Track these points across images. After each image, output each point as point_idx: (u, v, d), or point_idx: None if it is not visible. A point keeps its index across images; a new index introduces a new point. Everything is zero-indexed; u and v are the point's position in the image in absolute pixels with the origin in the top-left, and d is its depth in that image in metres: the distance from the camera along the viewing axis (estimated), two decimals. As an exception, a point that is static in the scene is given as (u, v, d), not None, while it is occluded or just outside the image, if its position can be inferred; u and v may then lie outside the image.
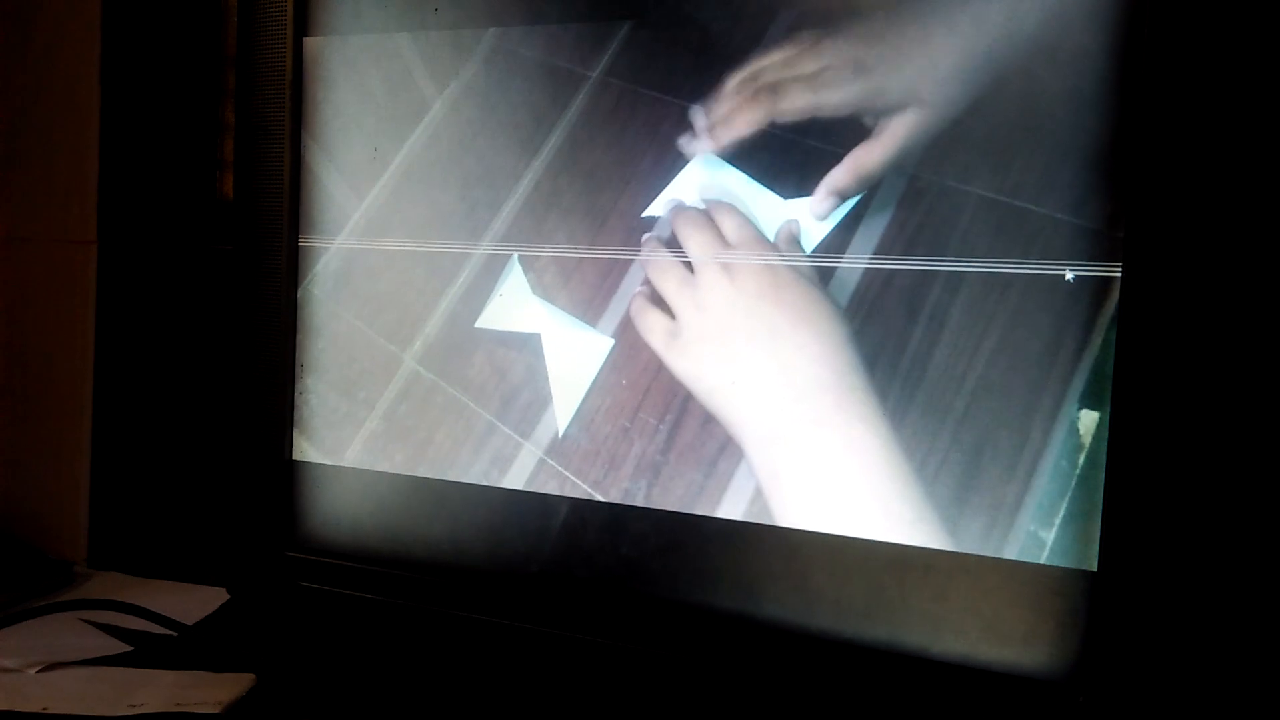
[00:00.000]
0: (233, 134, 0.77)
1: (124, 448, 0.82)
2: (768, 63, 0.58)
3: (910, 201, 0.55)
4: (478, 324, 0.67)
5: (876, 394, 0.56)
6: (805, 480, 0.57)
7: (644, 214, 0.62)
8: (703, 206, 0.60)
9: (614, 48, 0.63)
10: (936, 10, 0.54)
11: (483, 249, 0.67)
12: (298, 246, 0.71)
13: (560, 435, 0.64)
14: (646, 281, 0.62)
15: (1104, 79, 0.51)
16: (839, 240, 0.57)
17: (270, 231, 0.71)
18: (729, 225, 0.59)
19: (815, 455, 0.57)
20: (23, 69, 0.82)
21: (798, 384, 0.57)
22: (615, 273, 0.63)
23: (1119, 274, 0.51)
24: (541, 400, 0.65)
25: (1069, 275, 0.52)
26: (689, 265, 0.61)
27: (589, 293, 0.64)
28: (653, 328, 0.61)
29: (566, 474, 0.64)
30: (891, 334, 0.56)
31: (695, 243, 0.60)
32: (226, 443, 0.73)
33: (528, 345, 0.65)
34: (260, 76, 0.71)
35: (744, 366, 0.59)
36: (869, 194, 0.56)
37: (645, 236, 0.62)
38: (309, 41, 0.71)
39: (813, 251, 0.58)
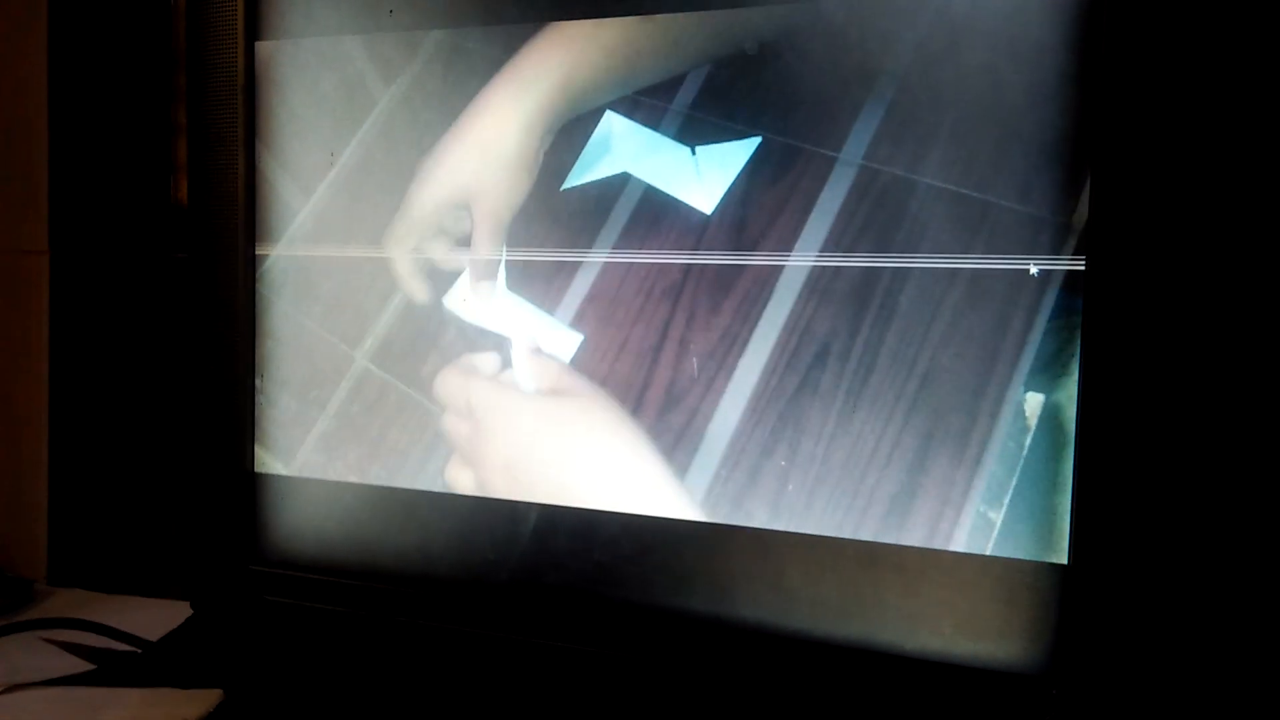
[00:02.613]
0: (185, 137, 0.76)
1: (82, 461, 0.81)
2: None
3: (868, 194, 0.55)
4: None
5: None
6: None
7: (563, 187, 0.62)
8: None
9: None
10: None
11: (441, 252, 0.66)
12: (254, 255, 0.70)
13: None
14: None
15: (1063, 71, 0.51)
16: (744, 196, 0.58)
17: (226, 240, 0.69)
18: None
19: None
20: (-33, 75, 0.80)
21: None
22: (568, 266, 0.62)
23: (1081, 266, 0.51)
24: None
25: (1033, 270, 0.52)
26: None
27: (546, 286, 0.63)
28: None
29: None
30: (842, 327, 0.56)
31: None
32: (186, 455, 0.72)
33: (490, 341, 0.65)
34: (211, 82, 0.69)
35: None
36: (820, 186, 0.56)
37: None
38: (261, 45, 0.69)
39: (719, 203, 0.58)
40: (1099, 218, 0.50)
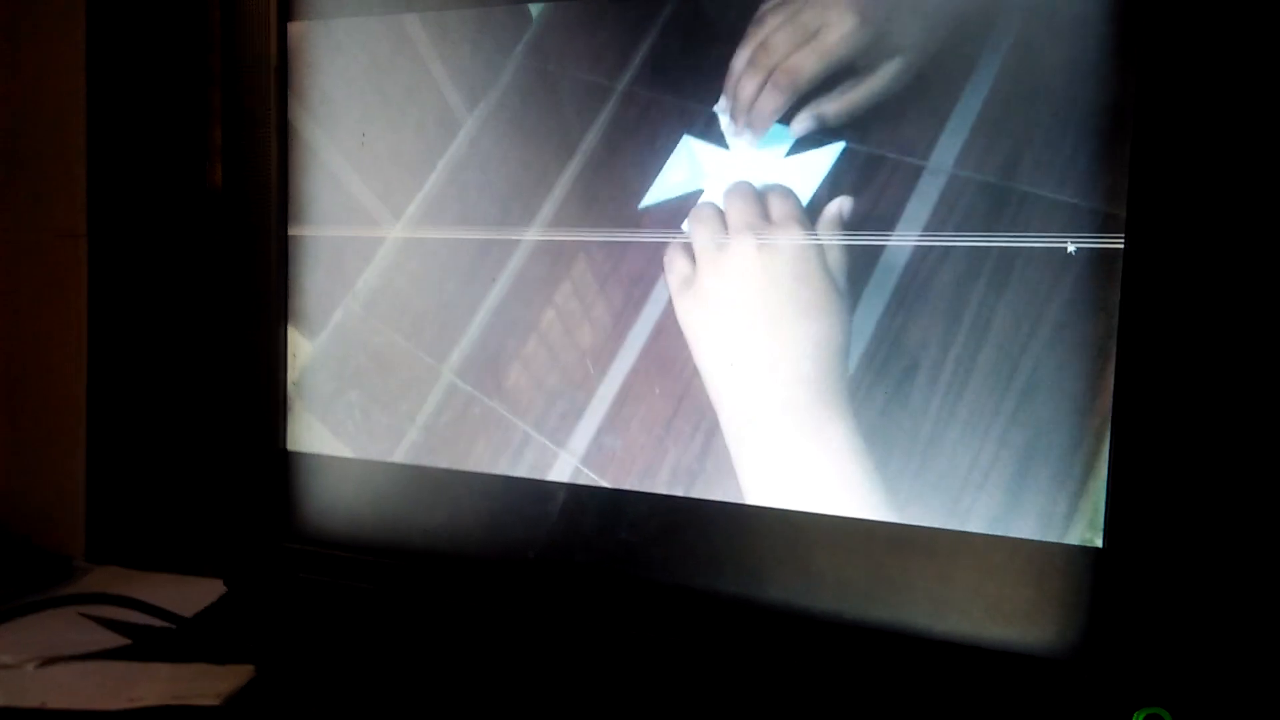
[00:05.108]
0: (220, 120, 0.76)
1: (120, 441, 0.82)
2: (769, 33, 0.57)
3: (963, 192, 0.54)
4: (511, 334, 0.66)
5: (852, 396, 0.56)
6: (773, 462, 0.58)
7: (641, 205, 0.61)
8: (757, 186, 0.60)
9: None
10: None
11: (484, 235, 0.66)
12: (287, 235, 0.70)
13: (596, 444, 0.63)
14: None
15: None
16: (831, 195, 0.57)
17: (259, 221, 0.70)
18: (775, 204, 0.59)
19: (784, 441, 0.58)
20: (6, 64, 0.81)
21: (784, 373, 0.57)
22: (646, 280, 0.62)
23: (1120, 246, 0.50)
24: (576, 409, 0.64)
25: (1071, 248, 0.51)
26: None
27: (622, 301, 0.62)
28: (676, 269, 0.61)
29: (601, 483, 0.63)
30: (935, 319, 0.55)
31: (738, 211, 0.60)
32: (221, 435, 0.73)
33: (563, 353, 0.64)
34: (244, 64, 0.70)
35: (742, 342, 0.59)
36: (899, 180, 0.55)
37: (700, 202, 0.61)
38: (293, 26, 0.70)
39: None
40: (1140, 197, 0.49)
